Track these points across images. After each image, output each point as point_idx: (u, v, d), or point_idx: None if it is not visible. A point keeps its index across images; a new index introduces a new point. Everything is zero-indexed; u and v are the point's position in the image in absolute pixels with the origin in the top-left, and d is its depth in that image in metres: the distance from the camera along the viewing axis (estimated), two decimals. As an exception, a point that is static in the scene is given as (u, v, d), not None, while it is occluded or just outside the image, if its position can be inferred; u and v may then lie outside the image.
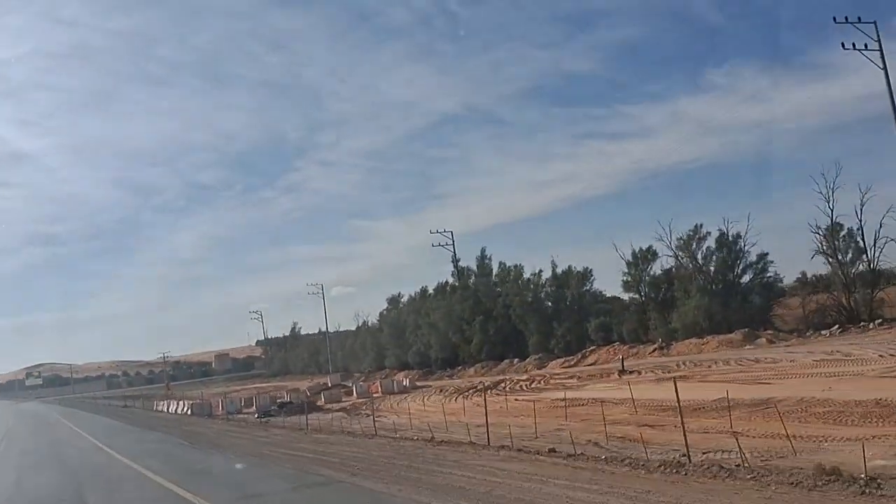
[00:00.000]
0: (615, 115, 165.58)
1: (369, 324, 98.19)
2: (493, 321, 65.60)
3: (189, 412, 46.19)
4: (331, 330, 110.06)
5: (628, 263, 53.72)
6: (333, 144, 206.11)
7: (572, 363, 50.97)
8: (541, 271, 63.10)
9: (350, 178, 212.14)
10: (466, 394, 41.49)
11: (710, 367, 32.95)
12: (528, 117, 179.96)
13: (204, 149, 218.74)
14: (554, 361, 53.51)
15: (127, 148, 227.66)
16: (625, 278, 53.99)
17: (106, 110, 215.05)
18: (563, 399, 27.43)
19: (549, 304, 61.52)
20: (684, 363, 35.52)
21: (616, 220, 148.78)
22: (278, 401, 44.62)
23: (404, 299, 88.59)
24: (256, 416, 40.06)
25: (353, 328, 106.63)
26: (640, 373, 34.91)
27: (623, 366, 36.67)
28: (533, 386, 39.78)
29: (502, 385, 42.92)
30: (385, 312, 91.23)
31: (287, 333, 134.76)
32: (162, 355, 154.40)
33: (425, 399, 41.79)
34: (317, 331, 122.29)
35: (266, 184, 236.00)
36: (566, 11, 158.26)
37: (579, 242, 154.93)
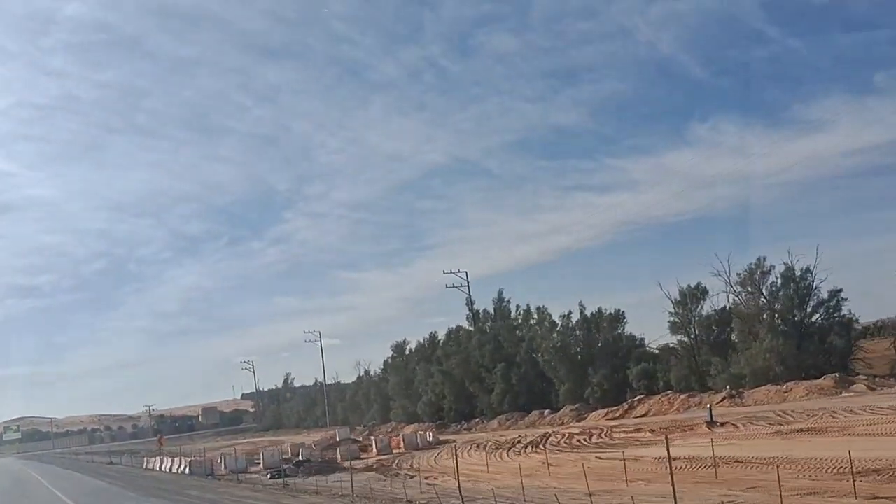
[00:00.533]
0: (602, 167, 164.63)
1: (371, 374, 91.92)
2: (516, 368, 59.43)
3: (187, 471, 39.52)
4: (328, 381, 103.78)
5: (675, 303, 48.05)
6: (321, 196, 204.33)
7: (618, 414, 44.83)
8: (570, 313, 57.30)
9: (338, 229, 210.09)
10: (515, 449, 35.42)
11: (821, 417, 27.11)
12: (515, 169, 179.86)
13: (191, 200, 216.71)
14: (595, 413, 47.30)
15: (113, 199, 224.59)
16: (672, 319, 48.22)
17: (93, 161, 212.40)
18: (666, 457, 21.51)
19: (580, 349, 55.60)
20: (784, 413, 29.60)
21: (605, 271, 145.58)
22: (294, 459, 38.12)
23: (411, 346, 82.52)
24: (269, 475, 33.60)
25: (350, 380, 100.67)
26: (735, 426, 28.94)
27: (711, 417, 30.72)
28: (594, 441, 33.71)
29: (550, 439, 36.84)
30: (390, 361, 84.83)
31: (279, 385, 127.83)
32: (147, 408, 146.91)
33: (468, 455, 35.66)
34: (310, 382, 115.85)
35: (253, 235, 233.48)
36: (553, 66, 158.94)
37: (575, 293, 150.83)
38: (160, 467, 46.17)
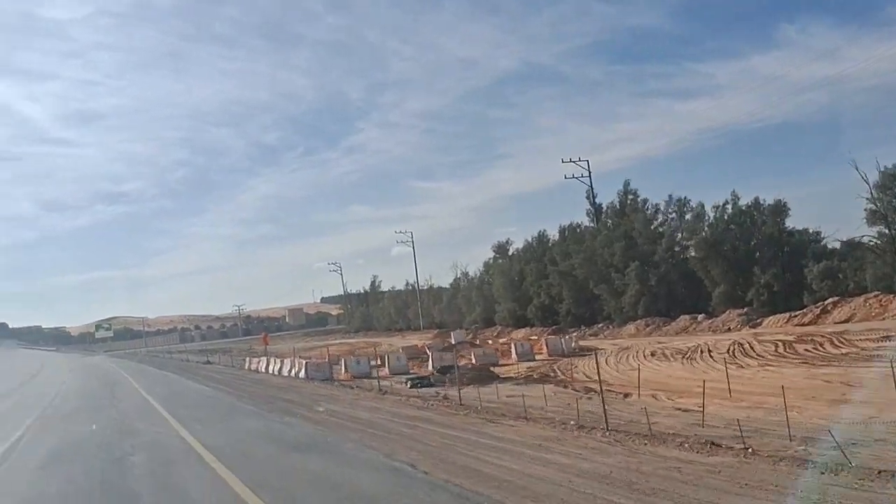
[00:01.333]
0: (683, 72, 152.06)
1: (469, 275, 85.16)
2: (653, 268, 51.26)
3: (301, 373, 33.35)
4: (416, 284, 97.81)
5: (876, 187, 38.62)
6: (394, 105, 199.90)
7: (806, 320, 36.50)
8: (725, 203, 48.17)
9: (410, 138, 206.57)
10: (702, 357, 27.79)
11: None
12: (590, 75, 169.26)
13: (268, 109, 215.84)
14: (771, 319, 39.00)
15: (193, 108, 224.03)
16: (869, 206, 38.83)
17: (171, 70, 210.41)
18: None
19: (738, 244, 46.73)
20: None
21: (683, 181, 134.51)
22: (437, 366, 31.16)
23: (516, 245, 74.99)
24: (408, 383, 26.75)
25: (442, 283, 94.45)
26: None
27: None
28: (801, 351, 25.91)
29: (735, 347, 29.12)
30: (492, 261, 77.65)
31: (365, 288, 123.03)
32: (236, 308, 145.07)
33: (646, 362, 28.26)
34: (393, 286, 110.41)
35: (328, 145, 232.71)
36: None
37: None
38: (267, 369, 40.16)
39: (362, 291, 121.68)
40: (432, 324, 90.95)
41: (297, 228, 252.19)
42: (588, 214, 62.10)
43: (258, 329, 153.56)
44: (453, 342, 51.18)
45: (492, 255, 78.54)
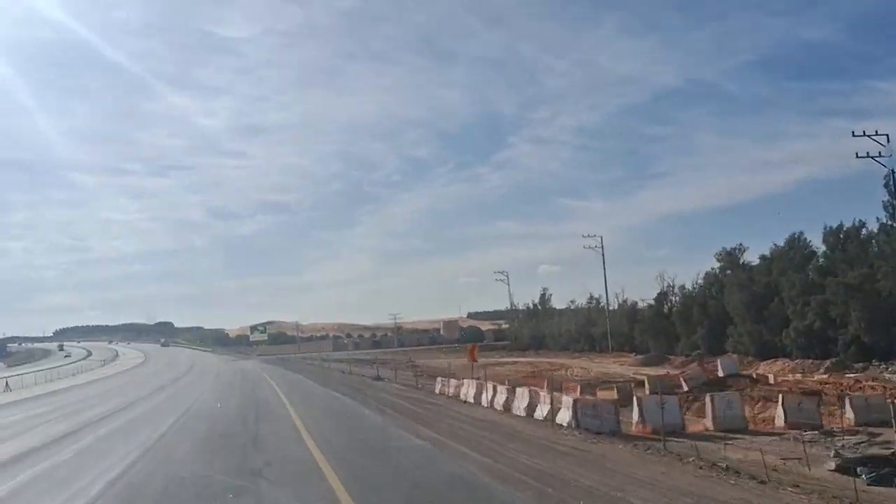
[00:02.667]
0: (859, 90, 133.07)
1: (675, 290, 68.83)
2: None
3: (566, 418, 18.82)
4: (605, 299, 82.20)
5: None
6: (547, 121, 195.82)
7: None
8: None
9: (562, 155, 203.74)
10: None
11: None
12: (757, 92, 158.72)
13: (421, 124, 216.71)
14: None
15: (350, 123, 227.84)
16: None
17: (331, 86, 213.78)
18: None
19: None
20: None
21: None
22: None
23: (748, 256, 58.39)
24: (865, 474, 11.87)
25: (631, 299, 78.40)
26: None
27: None
28: None
29: None
30: (719, 273, 61.10)
31: (534, 301, 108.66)
32: (392, 317, 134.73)
33: None
34: (573, 301, 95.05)
35: (479, 160, 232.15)
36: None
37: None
38: (480, 398, 26.21)
39: (531, 305, 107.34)
40: (624, 345, 75.32)
41: (445, 242, 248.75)
42: (886, 209, 44.49)
43: (411, 340, 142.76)
44: (721, 373, 35.53)
45: (707, 267, 62.40)
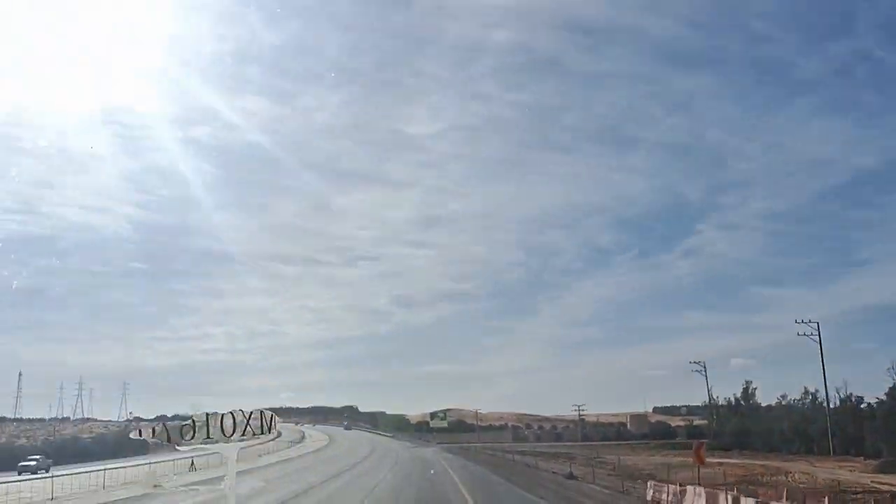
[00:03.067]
0: None
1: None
2: None
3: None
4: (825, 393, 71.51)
5: None
6: (736, 206, 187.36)
7: None
8: None
9: (753, 241, 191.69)
10: None
11: None
12: None
13: (602, 212, 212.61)
14: None
15: (531, 211, 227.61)
16: None
17: (513, 177, 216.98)
18: None
19: None
20: None
21: None
22: None
23: None
24: None
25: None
26: None
27: None
28: None
29: None
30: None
31: (735, 396, 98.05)
32: (576, 409, 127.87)
33: None
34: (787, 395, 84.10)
35: (663, 247, 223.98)
36: None
37: None
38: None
39: (732, 400, 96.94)
40: (849, 448, 64.48)
41: (629, 333, 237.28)
42: None
43: (595, 434, 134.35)
44: None
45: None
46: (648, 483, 30.04)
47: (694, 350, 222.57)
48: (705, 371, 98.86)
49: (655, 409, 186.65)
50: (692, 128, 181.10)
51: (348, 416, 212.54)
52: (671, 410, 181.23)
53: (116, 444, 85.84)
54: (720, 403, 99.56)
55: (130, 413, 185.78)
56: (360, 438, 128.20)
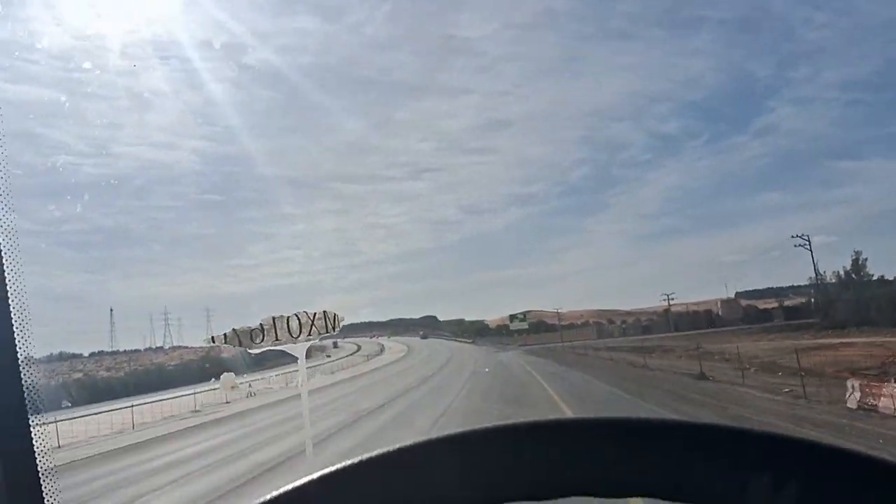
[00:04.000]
0: None
1: None
2: None
3: None
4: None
5: None
6: (809, 79, 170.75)
7: None
8: None
9: (829, 114, 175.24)
10: None
11: None
12: None
13: (667, 99, 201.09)
14: None
15: (592, 106, 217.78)
16: None
17: (571, 72, 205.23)
18: None
19: None
20: None
21: None
22: None
23: None
24: None
25: None
26: None
27: None
28: None
29: None
30: None
31: (844, 269, 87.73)
32: (665, 297, 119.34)
33: None
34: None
35: (734, 129, 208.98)
36: None
37: None
38: None
39: (841, 276, 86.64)
40: None
41: (703, 220, 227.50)
42: None
43: (684, 323, 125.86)
44: None
45: None
46: (849, 383, 21.02)
47: (773, 231, 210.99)
48: (810, 245, 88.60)
49: (738, 294, 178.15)
50: (756, 0, 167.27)
51: (425, 326, 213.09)
52: (756, 294, 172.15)
53: (199, 369, 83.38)
54: (828, 280, 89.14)
55: (212, 338, 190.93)
56: (439, 347, 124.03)
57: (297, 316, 6.39)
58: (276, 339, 6.37)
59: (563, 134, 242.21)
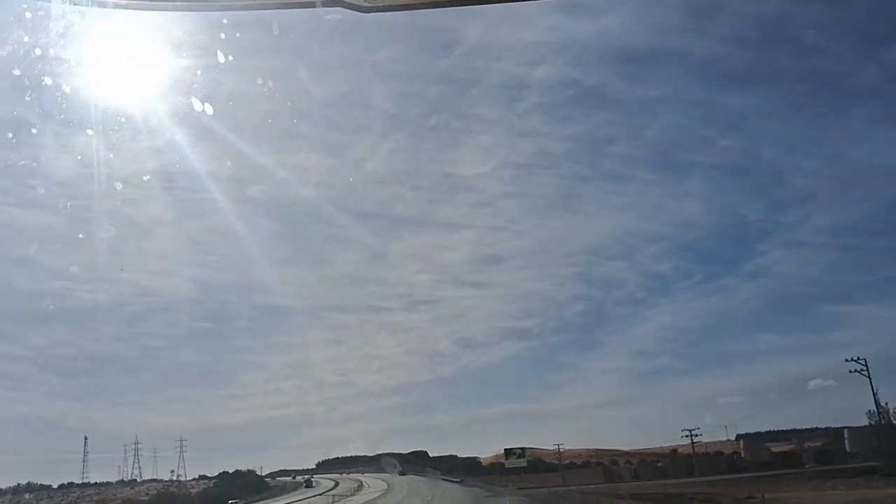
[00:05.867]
0: None
1: None
2: None
3: None
4: None
5: None
6: (799, 224, 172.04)
7: None
8: None
9: (820, 259, 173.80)
10: None
11: None
12: None
13: (660, 239, 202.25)
14: None
15: (587, 244, 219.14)
16: None
17: (566, 210, 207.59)
18: None
19: None
20: None
21: None
22: None
23: None
24: None
25: None
26: None
27: None
28: None
29: None
30: None
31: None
32: (687, 433, 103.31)
33: None
34: None
35: (726, 271, 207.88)
36: None
37: None
38: None
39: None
40: None
41: (697, 360, 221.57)
42: None
43: (703, 467, 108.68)
44: None
45: None
46: None
47: (771, 374, 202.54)
48: (868, 370, 73.88)
49: (738, 437, 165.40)
50: (747, 147, 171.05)
51: (412, 462, 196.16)
52: (760, 437, 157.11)
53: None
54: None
55: (172, 472, 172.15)
56: (421, 486, 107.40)
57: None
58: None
59: (559, 270, 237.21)
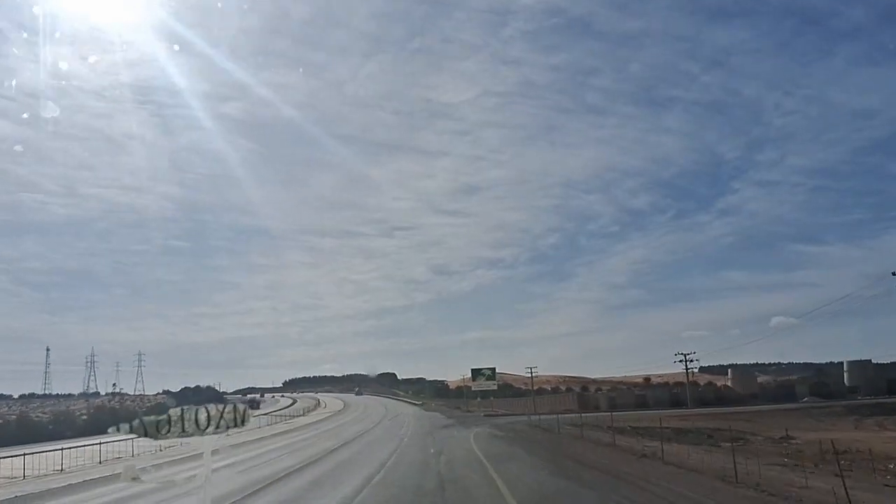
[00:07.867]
0: None
1: None
2: None
3: None
4: None
5: None
6: (774, 163, 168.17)
7: None
8: None
9: (793, 198, 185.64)
10: None
11: None
12: None
13: (638, 174, 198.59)
14: None
15: (565, 176, 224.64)
16: None
17: (547, 142, 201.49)
18: None
19: None
20: None
21: None
22: None
23: None
24: None
25: None
26: None
27: None
28: None
29: None
30: None
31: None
32: (682, 357, 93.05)
33: None
34: None
35: (700, 208, 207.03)
36: None
37: None
38: None
39: None
40: None
41: (666, 294, 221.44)
42: None
43: (656, 400, 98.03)
44: None
45: None
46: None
47: (736, 308, 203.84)
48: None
49: (702, 370, 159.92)
50: (728, 84, 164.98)
51: (386, 384, 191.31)
52: (713, 370, 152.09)
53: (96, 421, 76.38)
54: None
55: (114, 386, 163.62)
56: (377, 406, 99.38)
57: (206, 409, 5.90)
58: (183, 432, 5.85)
59: (536, 202, 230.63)
